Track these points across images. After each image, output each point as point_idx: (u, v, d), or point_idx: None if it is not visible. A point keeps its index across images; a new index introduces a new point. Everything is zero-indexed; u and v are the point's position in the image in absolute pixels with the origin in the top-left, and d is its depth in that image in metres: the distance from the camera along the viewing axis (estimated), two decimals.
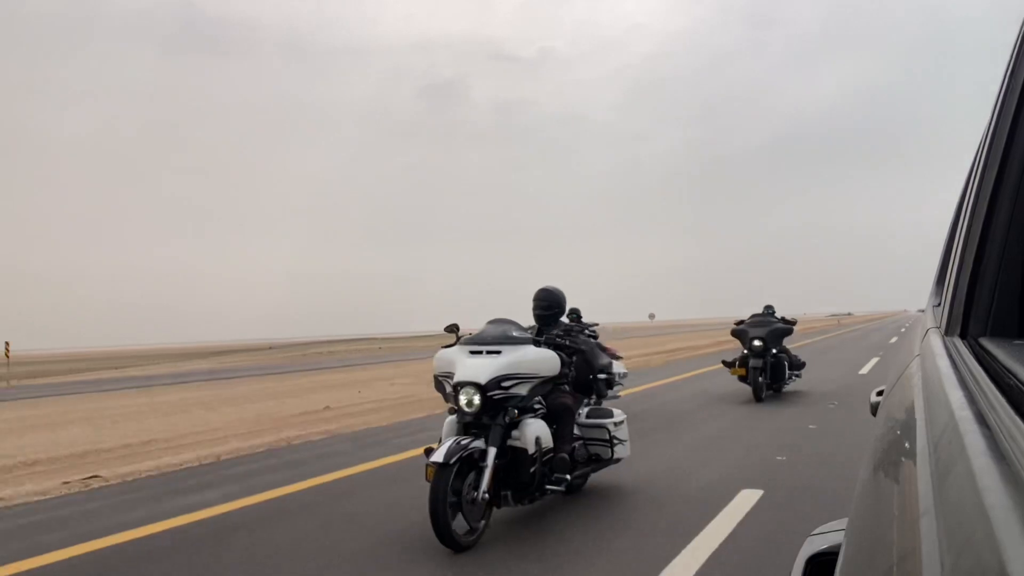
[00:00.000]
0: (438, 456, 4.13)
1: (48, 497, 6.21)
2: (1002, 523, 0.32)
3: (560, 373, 4.90)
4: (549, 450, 4.68)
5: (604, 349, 10.78)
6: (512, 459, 4.51)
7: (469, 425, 4.52)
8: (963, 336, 0.90)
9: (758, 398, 10.64)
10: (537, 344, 4.80)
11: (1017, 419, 0.46)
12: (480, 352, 4.65)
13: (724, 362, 11.67)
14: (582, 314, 10.92)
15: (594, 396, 5.74)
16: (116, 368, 43.43)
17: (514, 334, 4.77)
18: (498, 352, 4.59)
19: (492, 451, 4.35)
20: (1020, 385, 0.52)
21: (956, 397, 0.60)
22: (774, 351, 11.01)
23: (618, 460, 5.51)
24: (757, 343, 10.75)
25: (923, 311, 2.50)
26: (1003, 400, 0.52)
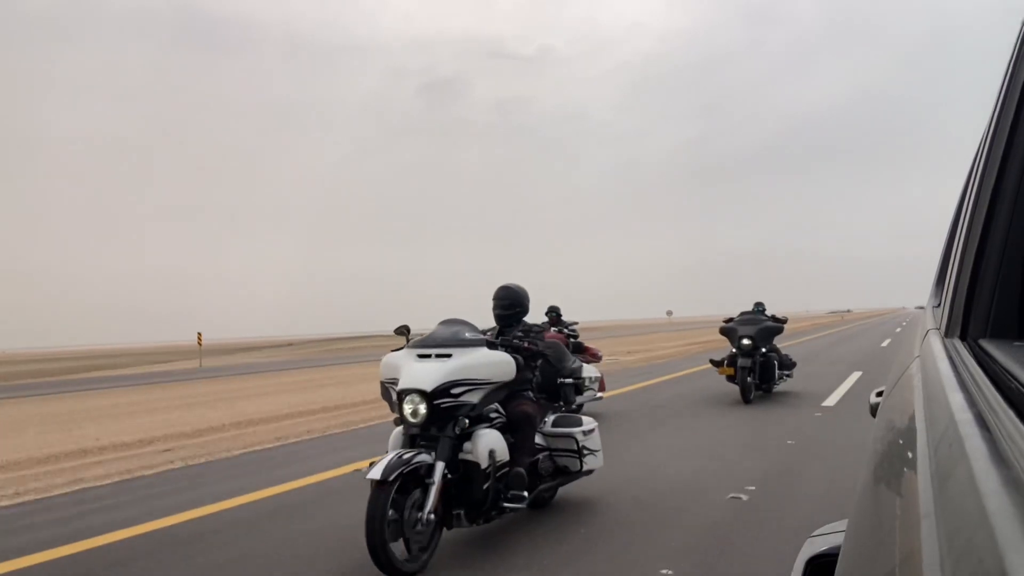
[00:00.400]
0: (375, 473, 3.69)
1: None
2: (1003, 527, 0.32)
3: (518, 378, 4.52)
4: (505, 464, 4.26)
5: (584, 350, 10.34)
6: (463, 474, 4.09)
7: (417, 437, 4.09)
8: (963, 338, 0.90)
9: (746, 399, 10.23)
10: (492, 346, 4.39)
11: (1018, 422, 0.46)
12: (428, 356, 4.22)
13: (712, 361, 11.23)
14: (562, 312, 10.55)
15: (562, 403, 5.35)
16: (167, 362, 47.70)
17: (466, 335, 4.35)
18: (448, 356, 4.18)
19: (440, 466, 3.91)
20: (1021, 387, 0.52)
21: (956, 399, 0.60)
22: (763, 350, 10.61)
23: (589, 472, 5.07)
24: (746, 342, 10.34)
25: (921, 308, 2.50)
26: (1003, 403, 0.52)
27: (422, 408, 4.02)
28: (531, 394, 4.86)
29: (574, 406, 5.62)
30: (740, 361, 10.33)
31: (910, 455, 0.63)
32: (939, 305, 1.40)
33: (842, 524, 1.08)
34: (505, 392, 4.44)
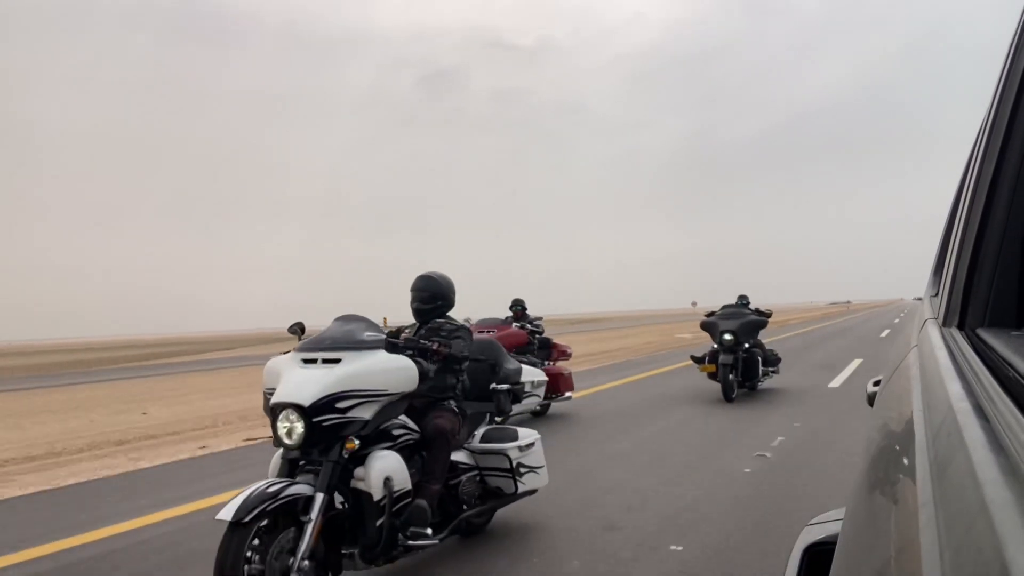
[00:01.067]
0: (226, 512, 2.95)
1: None
2: (1002, 516, 0.32)
3: (440, 385, 4.03)
4: (406, 493, 3.55)
5: (552, 346, 9.96)
6: (354, 507, 3.44)
7: (298, 463, 3.42)
8: (961, 327, 0.90)
9: (728, 398, 9.69)
10: (393, 349, 3.68)
11: (1016, 411, 0.46)
12: (315, 361, 3.50)
13: (693, 358, 10.67)
14: (526, 305, 9.97)
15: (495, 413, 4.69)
16: (199, 352, 48.73)
17: (364, 336, 3.60)
18: (337, 361, 3.46)
19: (320, 499, 3.19)
20: (1019, 377, 0.52)
21: (954, 389, 0.60)
22: (747, 345, 10.09)
23: (531, 491, 4.41)
24: (728, 337, 9.80)
25: (919, 299, 2.50)
26: (1001, 392, 0.52)
27: (299, 427, 3.30)
28: (453, 404, 4.18)
29: (510, 415, 4.93)
30: (722, 358, 9.81)
31: (908, 444, 0.63)
32: (937, 295, 1.40)
33: (839, 512, 1.09)
34: (405, 404, 3.73)
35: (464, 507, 4.07)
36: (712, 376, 10.04)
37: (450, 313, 4.43)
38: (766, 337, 12.21)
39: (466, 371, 4.36)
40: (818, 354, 17.28)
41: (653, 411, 9.18)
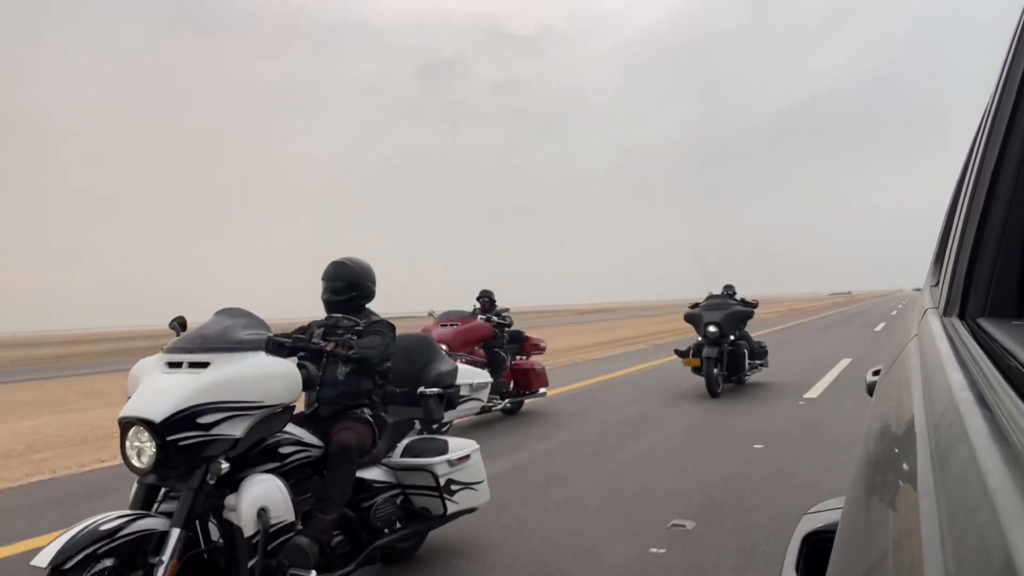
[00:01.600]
0: (43, 557, 2.40)
1: None
2: (1005, 505, 0.32)
3: (360, 391, 3.55)
4: (288, 526, 2.96)
5: (524, 340, 9.26)
6: (228, 543, 2.88)
7: (158, 490, 2.86)
8: (962, 317, 0.90)
9: (713, 393, 9.33)
10: (277, 350, 3.03)
11: (1018, 400, 0.46)
12: (180, 364, 2.93)
13: (677, 351, 10.13)
14: (495, 296, 9.20)
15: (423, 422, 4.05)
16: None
17: (241, 335, 3.02)
18: (204, 365, 2.89)
19: (175, 535, 2.63)
20: (1020, 366, 0.52)
21: (956, 378, 0.60)
22: (732, 338, 9.74)
23: (467, 511, 3.83)
24: (712, 329, 9.40)
25: (918, 290, 2.50)
26: (1003, 381, 0.52)
27: (150, 447, 2.73)
28: (367, 412, 3.59)
29: (445, 424, 4.24)
30: (706, 351, 9.38)
31: (908, 433, 0.63)
32: (937, 284, 1.40)
33: (838, 501, 1.09)
34: (287, 417, 3.12)
35: (383, 532, 3.48)
36: (696, 370, 9.65)
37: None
38: (762, 328, 12.06)
39: (390, 373, 3.78)
40: (805, 349, 16.72)
41: (621, 417, 8.27)
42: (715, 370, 9.38)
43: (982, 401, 0.50)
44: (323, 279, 3.78)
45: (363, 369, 3.55)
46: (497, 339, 8.63)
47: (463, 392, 4.23)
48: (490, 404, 7.80)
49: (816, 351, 15.73)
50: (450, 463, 3.71)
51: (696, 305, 10.31)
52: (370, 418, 3.59)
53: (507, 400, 8.51)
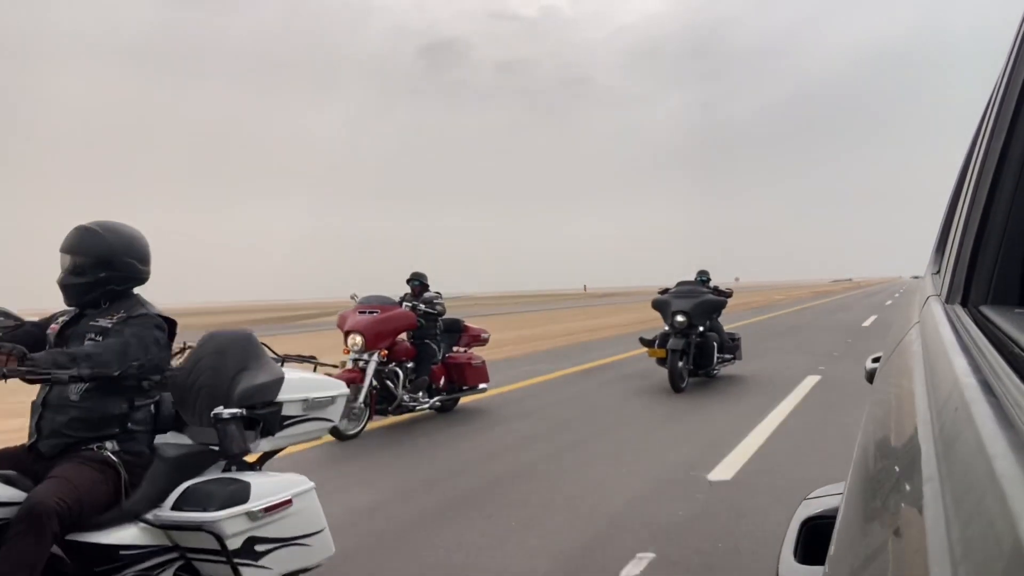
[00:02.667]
0: None
1: None
2: (1013, 490, 0.32)
3: (107, 417, 2.59)
4: None
5: (463, 330, 8.39)
6: None
7: None
8: (964, 304, 0.90)
9: (676, 388, 8.66)
10: None
11: (1023, 387, 0.46)
12: None
13: (642, 340, 9.37)
14: (427, 280, 8.19)
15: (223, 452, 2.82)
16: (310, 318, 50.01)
17: None
18: None
19: None
20: None
21: (960, 364, 0.60)
22: (701, 329, 9.08)
23: (295, 574, 2.83)
24: (680, 318, 8.78)
25: (917, 278, 2.50)
26: (1008, 368, 0.53)
27: None
28: (112, 447, 2.60)
29: (249, 455, 2.95)
30: (671, 342, 8.73)
31: (911, 419, 0.63)
32: (939, 272, 1.40)
33: (837, 487, 1.10)
34: None
35: None
36: (661, 362, 8.96)
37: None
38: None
39: (170, 386, 2.84)
40: (768, 358, 12.41)
41: (563, 419, 7.58)
42: (680, 363, 8.72)
43: (987, 388, 0.50)
44: (61, 251, 2.71)
45: (108, 387, 2.56)
46: (425, 329, 7.71)
47: (291, 411, 3.00)
48: (412, 404, 7.26)
49: (778, 360, 11.97)
50: (250, 516, 2.63)
51: (665, 291, 9.63)
52: (112, 456, 2.56)
53: (437, 398, 7.69)
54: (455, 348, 8.29)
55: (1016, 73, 0.83)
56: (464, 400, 8.34)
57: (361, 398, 6.61)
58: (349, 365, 6.83)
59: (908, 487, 0.50)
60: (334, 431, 6.17)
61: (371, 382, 6.75)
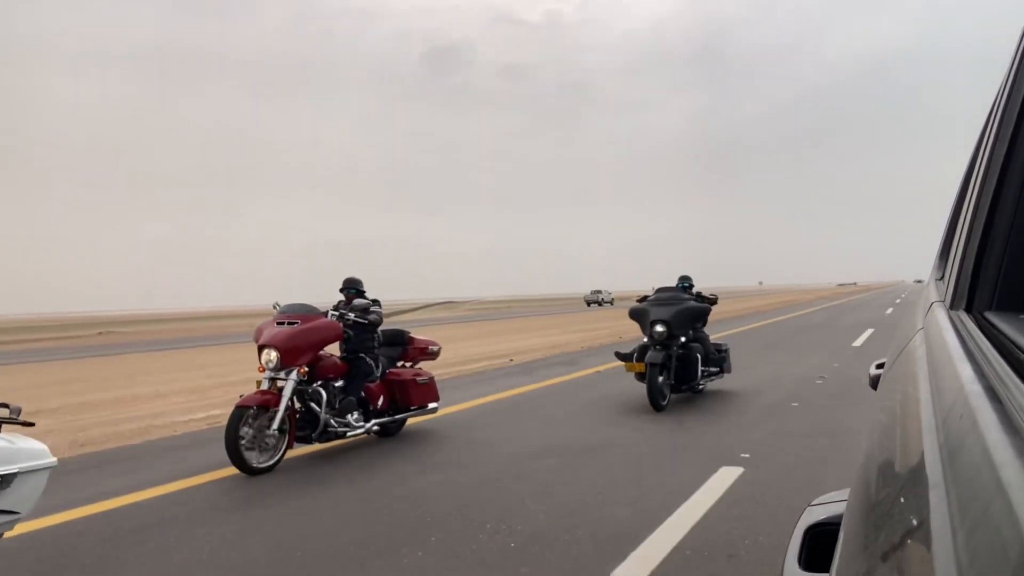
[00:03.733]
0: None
1: None
2: (1019, 498, 0.32)
3: None
4: None
5: (407, 342, 7.42)
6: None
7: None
8: (968, 310, 0.90)
9: (656, 405, 7.82)
10: None
11: None
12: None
13: (618, 354, 8.69)
14: (363, 287, 7.23)
15: None
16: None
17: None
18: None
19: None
20: None
21: (965, 371, 0.60)
22: (683, 339, 8.35)
23: None
24: (659, 329, 8.03)
25: (919, 282, 2.49)
26: (1013, 375, 0.52)
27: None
28: None
29: None
30: (650, 355, 7.97)
31: (916, 425, 0.63)
32: (943, 278, 1.40)
33: (842, 494, 1.10)
34: None
35: None
36: (641, 377, 8.16)
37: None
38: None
39: None
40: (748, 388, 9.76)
41: (514, 451, 6.24)
42: (660, 378, 7.94)
43: (992, 394, 0.50)
44: None
45: None
46: (358, 342, 6.79)
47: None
48: (342, 430, 6.32)
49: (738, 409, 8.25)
50: None
51: (644, 299, 8.77)
52: None
53: (375, 421, 6.71)
54: (400, 363, 7.42)
55: (1019, 79, 0.83)
56: (413, 422, 7.42)
57: (275, 424, 5.75)
58: (265, 385, 5.97)
59: (913, 494, 0.50)
60: (239, 463, 5.51)
61: (288, 404, 5.87)
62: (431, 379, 7.37)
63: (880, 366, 1.65)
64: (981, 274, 0.87)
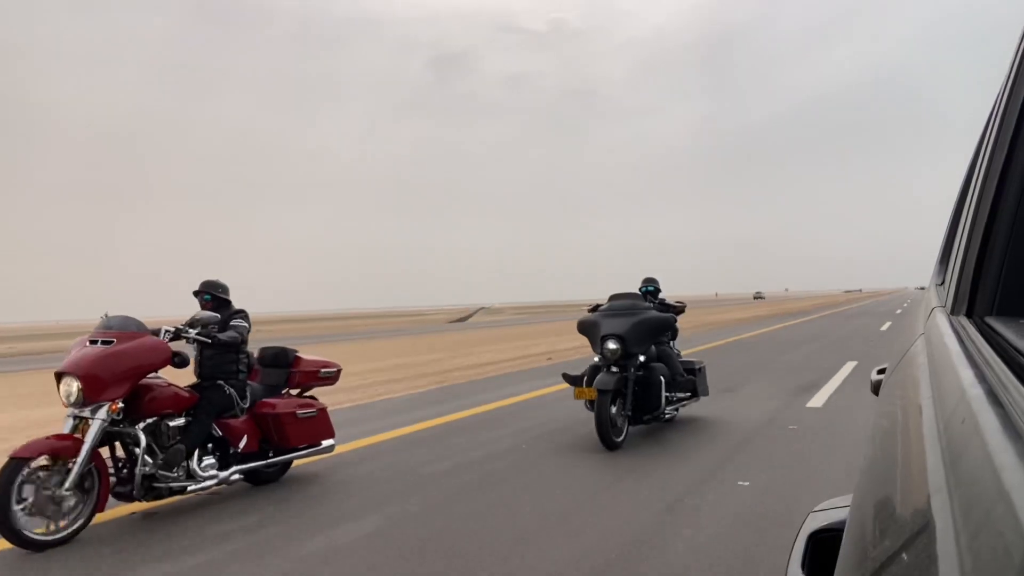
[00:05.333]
0: None
1: None
2: (1023, 502, 0.32)
3: None
4: None
5: (292, 363, 5.92)
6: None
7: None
8: (969, 315, 0.90)
9: (609, 444, 6.14)
10: None
11: None
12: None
13: (566, 376, 6.87)
14: (226, 293, 5.62)
15: None
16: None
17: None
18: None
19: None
20: None
21: (967, 376, 0.60)
22: (642, 359, 6.70)
23: None
24: (611, 345, 6.40)
25: (922, 288, 2.50)
26: (1015, 380, 0.52)
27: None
28: None
29: None
30: (600, 378, 6.35)
31: (917, 431, 0.63)
32: (943, 283, 1.40)
33: (844, 499, 1.09)
34: None
35: None
36: (591, 405, 6.49)
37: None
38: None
39: None
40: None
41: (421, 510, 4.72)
42: (613, 408, 6.27)
43: (994, 399, 0.50)
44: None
45: None
46: (209, 365, 5.36)
47: None
48: (181, 483, 4.88)
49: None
50: None
51: (596, 308, 7.14)
52: None
53: (236, 468, 5.20)
54: (285, 391, 5.89)
55: (1018, 84, 0.84)
56: (301, 463, 5.83)
57: (70, 480, 4.33)
58: (67, 427, 4.58)
59: (916, 499, 0.50)
60: (11, 535, 4.09)
61: (91, 452, 4.48)
62: (320, 411, 5.80)
63: (882, 371, 1.65)
64: (981, 279, 0.87)
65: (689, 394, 7.46)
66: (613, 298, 7.14)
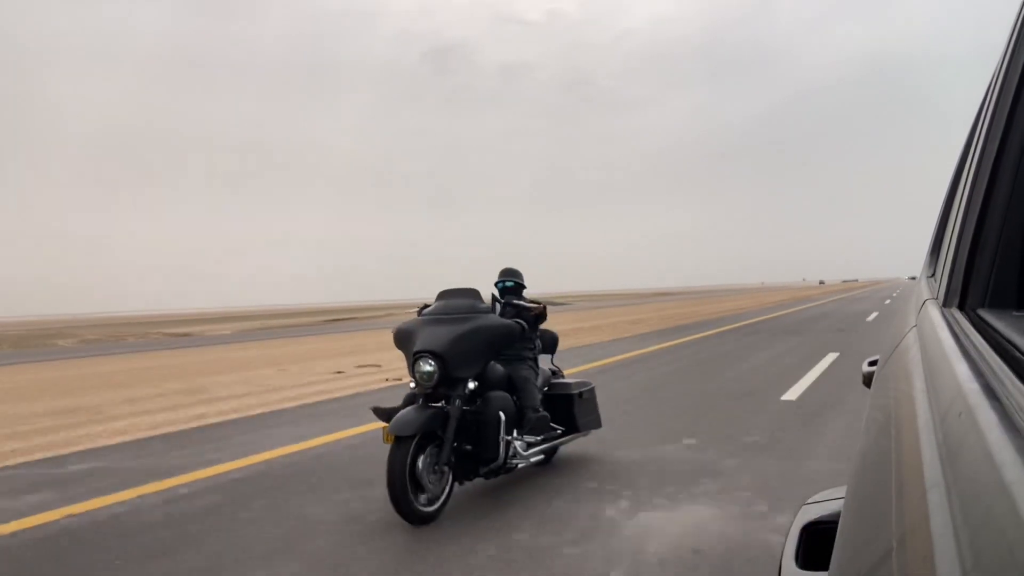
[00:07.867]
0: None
1: None
2: (1023, 497, 0.32)
3: None
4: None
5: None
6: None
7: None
8: (961, 307, 0.90)
9: (407, 513, 4.19)
10: None
11: None
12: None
13: (376, 411, 4.82)
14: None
15: None
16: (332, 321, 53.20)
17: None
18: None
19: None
20: None
21: (962, 370, 0.60)
22: (473, 385, 4.77)
23: None
24: (426, 367, 4.54)
25: (914, 278, 2.50)
26: (1010, 373, 0.52)
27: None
28: None
29: None
30: (401, 417, 4.42)
31: (912, 424, 0.63)
32: (934, 275, 1.40)
33: (838, 491, 1.10)
34: None
35: None
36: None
37: None
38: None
39: None
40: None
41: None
42: (421, 458, 4.36)
43: (990, 392, 0.50)
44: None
45: None
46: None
47: None
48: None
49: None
50: None
51: (425, 307, 5.11)
52: None
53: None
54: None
55: (1010, 74, 0.83)
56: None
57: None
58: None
59: (912, 493, 0.50)
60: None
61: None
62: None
63: (873, 363, 1.65)
64: (974, 271, 0.87)
65: (560, 430, 5.51)
66: (443, 296, 5.12)
